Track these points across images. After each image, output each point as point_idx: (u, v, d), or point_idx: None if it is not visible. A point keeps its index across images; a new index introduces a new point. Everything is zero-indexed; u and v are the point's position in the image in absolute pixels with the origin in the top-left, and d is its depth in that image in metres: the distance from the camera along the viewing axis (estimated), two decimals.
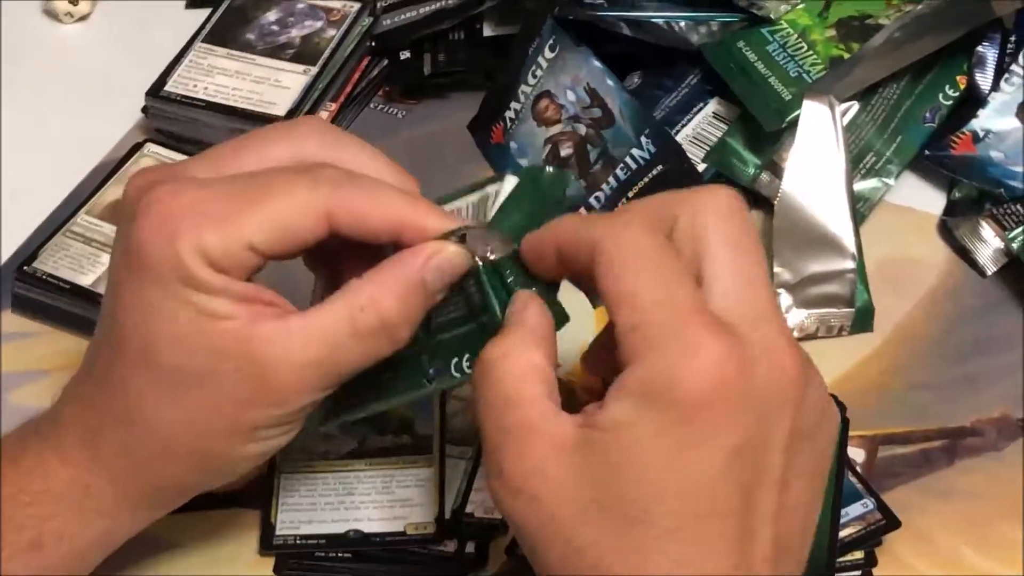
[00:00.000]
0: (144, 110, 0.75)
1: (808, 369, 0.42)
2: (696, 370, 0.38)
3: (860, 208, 0.68)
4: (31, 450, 0.48)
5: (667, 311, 0.39)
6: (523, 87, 0.70)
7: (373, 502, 0.57)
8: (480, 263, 0.45)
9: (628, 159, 0.66)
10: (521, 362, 0.42)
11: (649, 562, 0.38)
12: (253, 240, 0.45)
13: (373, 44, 0.78)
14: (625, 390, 0.39)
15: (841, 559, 0.55)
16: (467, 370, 0.46)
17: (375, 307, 0.45)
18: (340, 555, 0.56)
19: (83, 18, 0.84)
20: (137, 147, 0.71)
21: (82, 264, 0.65)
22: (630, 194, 0.66)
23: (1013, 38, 0.72)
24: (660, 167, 0.65)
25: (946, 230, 0.70)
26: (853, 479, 0.57)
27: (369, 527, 0.56)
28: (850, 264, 0.65)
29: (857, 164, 0.69)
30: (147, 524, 0.51)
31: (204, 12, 0.79)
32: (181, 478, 0.49)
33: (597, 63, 0.68)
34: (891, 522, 0.56)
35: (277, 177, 0.46)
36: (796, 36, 0.71)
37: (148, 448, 0.47)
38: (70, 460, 0.48)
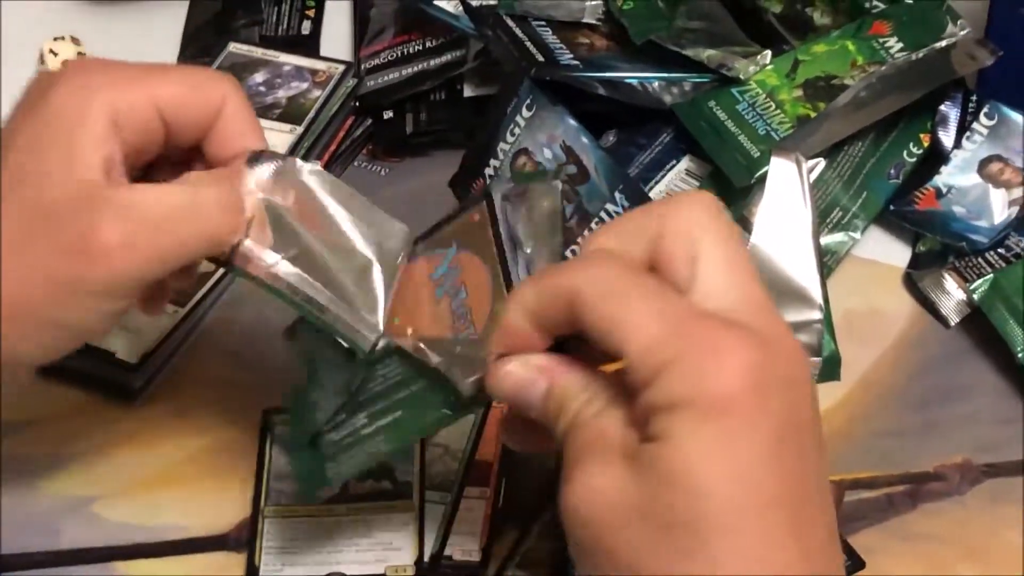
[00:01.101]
0: None
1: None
2: (722, 367, 0.38)
3: (827, 261, 0.70)
4: None
5: (669, 324, 0.40)
6: (502, 145, 0.72)
7: (354, 545, 0.58)
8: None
9: (602, 214, 0.68)
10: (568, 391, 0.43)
11: (696, 563, 0.38)
12: (160, 98, 0.50)
13: (357, 104, 0.80)
14: (658, 406, 0.39)
15: None
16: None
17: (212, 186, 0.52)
18: None
19: None
20: None
21: None
22: None
23: (974, 97, 0.74)
24: None
25: (911, 282, 0.71)
26: None
27: (350, 569, 0.58)
28: (817, 315, 0.66)
29: (824, 219, 0.71)
30: None
31: None
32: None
33: (573, 122, 0.70)
34: (856, 563, 0.57)
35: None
36: (764, 96, 0.73)
37: None
38: None
